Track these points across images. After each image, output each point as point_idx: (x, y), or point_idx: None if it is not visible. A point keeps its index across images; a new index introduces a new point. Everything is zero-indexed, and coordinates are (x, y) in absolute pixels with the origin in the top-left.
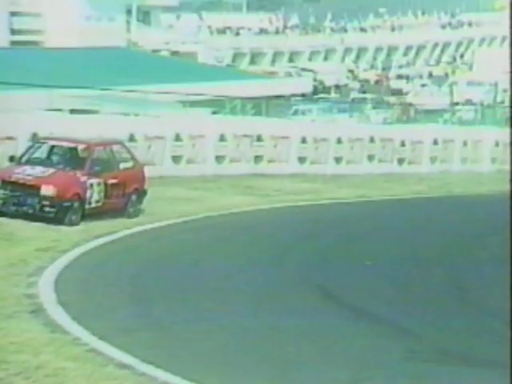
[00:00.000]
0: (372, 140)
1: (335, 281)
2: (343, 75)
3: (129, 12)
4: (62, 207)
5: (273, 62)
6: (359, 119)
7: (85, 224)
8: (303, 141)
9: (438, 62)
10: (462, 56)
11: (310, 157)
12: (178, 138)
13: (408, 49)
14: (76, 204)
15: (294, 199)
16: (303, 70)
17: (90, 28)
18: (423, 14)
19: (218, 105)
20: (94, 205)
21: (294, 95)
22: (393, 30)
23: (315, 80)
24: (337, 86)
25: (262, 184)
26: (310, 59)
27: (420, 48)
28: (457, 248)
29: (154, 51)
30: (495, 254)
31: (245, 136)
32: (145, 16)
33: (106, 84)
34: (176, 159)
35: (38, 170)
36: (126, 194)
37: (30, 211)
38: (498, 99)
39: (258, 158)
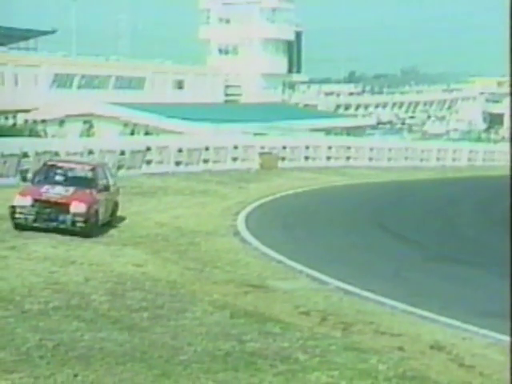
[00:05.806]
0: (406, 149)
1: (388, 220)
2: (392, 116)
3: (284, 84)
4: (90, 222)
5: (356, 109)
6: (400, 138)
7: (257, 189)
8: (371, 149)
9: (440, 109)
10: (452, 106)
11: (374, 157)
12: (307, 147)
13: (426, 103)
14: (96, 218)
15: (367, 178)
16: (371, 113)
17: (264, 93)
18: (433, 84)
19: (328, 130)
20: (101, 217)
21: (366, 126)
22: (417, 93)
23: (378, 118)
24: (389, 121)
25: (350, 171)
26: (375, 107)
27: (431, 102)
28: (449, 203)
29: (296, 104)
30: (473, 207)
31: (341, 146)
32: (291, 86)
33: (271, 121)
34: (306, 158)
35: (61, 189)
36: (112, 206)
37: (62, 226)
38: (471, 128)
39: (347, 158)
